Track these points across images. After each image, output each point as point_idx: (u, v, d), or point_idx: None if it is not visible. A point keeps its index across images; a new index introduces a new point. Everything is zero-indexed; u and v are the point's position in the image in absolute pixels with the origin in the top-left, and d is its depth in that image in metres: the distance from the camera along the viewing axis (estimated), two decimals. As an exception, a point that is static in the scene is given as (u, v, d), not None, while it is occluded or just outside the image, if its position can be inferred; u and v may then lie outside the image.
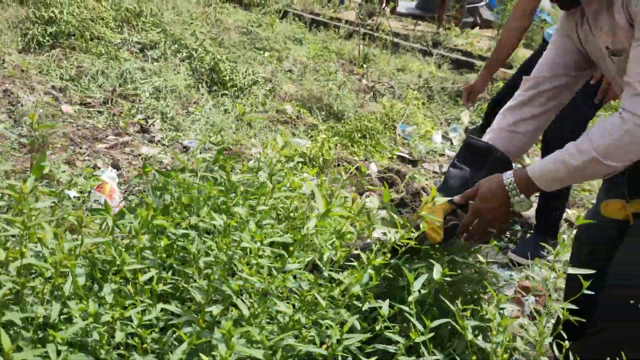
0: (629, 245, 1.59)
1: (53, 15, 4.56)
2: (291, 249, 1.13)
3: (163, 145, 3.62)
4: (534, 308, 2.59)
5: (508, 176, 1.55)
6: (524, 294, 2.72)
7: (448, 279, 1.34)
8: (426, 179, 3.91)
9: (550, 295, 2.72)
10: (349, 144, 4.14)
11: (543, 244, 2.78)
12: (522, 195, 1.53)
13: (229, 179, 1.40)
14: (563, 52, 1.69)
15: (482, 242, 1.66)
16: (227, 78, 4.67)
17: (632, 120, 1.34)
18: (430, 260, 1.45)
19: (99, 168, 3.11)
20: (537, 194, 1.83)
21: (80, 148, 3.32)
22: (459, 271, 1.70)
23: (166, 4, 6.50)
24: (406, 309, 1.15)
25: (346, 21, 8.42)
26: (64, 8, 4.70)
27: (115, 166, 3.15)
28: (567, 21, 1.65)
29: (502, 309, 1.46)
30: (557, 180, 1.49)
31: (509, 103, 1.81)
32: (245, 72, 4.83)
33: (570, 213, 3.62)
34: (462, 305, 1.64)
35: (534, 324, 2.52)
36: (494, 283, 1.76)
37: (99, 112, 3.81)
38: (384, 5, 10.20)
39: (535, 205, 3.11)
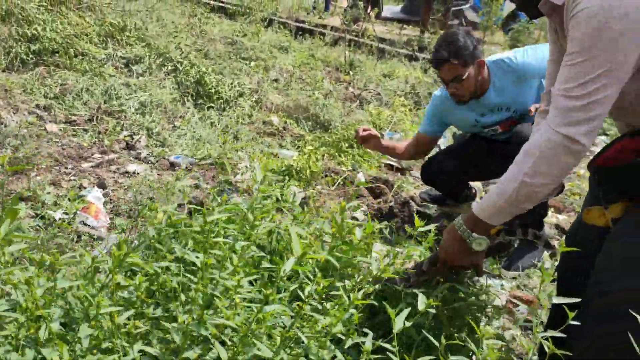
0: (607, 249, 1.58)
1: (36, 32, 4.54)
2: (267, 292, 1.09)
3: (149, 162, 3.60)
4: (526, 318, 2.59)
5: (458, 220, 1.61)
6: (518, 303, 2.72)
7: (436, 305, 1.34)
8: (414, 187, 3.91)
9: (541, 304, 2.74)
10: (337, 154, 4.14)
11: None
12: (475, 234, 1.56)
13: (205, 221, 1.38)
14: (557, 60, 1.69)
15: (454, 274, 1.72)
16: (213, 91, 4.66)
17: (549, 133, 1.40)
18: (417, 291, 1.45)
19: (85, 188, 3.09)
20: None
21: (66, 168, 3.30)
22: (461, 295, 1.72)
23: (151, 17, 6.48)
24: (388, 346, 1.14)
25: (332, 28, 8.43)
26: (47, 25, 4.68)
27: (101, 185, 3.13)
28: (550, 29, 1.67)
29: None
30: (499, 212, 1.51)
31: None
32: (231, 84, 4.82)
33: (560, 218, 3.64)
34: (459, 332, 1.64)
35: (527, 334, 2.53)
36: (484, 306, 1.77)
37: (84, 130, 3.79)
38: (368, 10, 10.24)
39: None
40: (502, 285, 2.82)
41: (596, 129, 1.39)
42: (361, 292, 1.25)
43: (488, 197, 1.54)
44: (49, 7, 4.99)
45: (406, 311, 1.14)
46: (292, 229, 1.26)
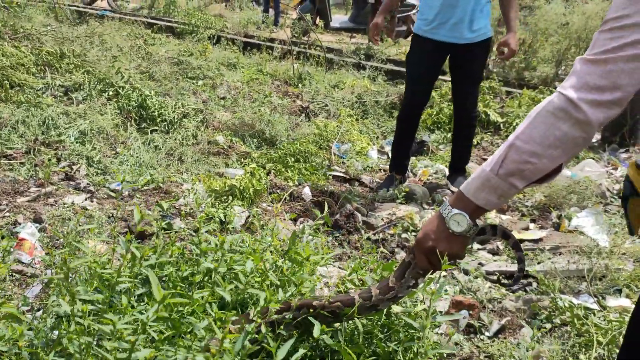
0: None
1: (-32, 66, 4.44)
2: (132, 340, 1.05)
3: (89, 191, 3.53)
4: (468, 322, 2.61)
5: (444, 202, 1.42)
6: (473, 308, 2.73)
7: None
8: (362, 197, 3.92)
9: (485, 307, 2.77)
10: (283, 169, 4.13)
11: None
12: (454, 210, 1.34)
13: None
14: None
15: (436, 270, 1.50)
16: (156, 113, 4.61)
17: (555, 95, 1.21)
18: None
19: (20, 224, 3.01)
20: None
21: (0, 204, 3.21)
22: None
23: (92, 42, 6.40)
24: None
25: (281, 41, 8.45)
26: (-20, 57, 4.58)
27: (37, 220, 3.05)
28: None
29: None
30: (485, 185, 1.29)
31: None
32: (175, 105, 4.78)
33: (504, 219, 3.69)
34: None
35: (469, 338, 2.54)
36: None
37: (22, 163, 3.71)
38: (317, 21, 10.30)
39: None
40: (446, 290, 2.84)
41: (611, 105, 1.14)
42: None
43: (476, 170, 1.33)
44: (-18, 38, 4.89)
45: (289, 342, 1.13)
46: (151, 274, 1.19)
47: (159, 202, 3.32)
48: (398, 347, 1.70)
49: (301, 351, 1.13)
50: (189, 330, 1.16)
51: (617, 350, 2.13)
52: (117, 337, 1.02)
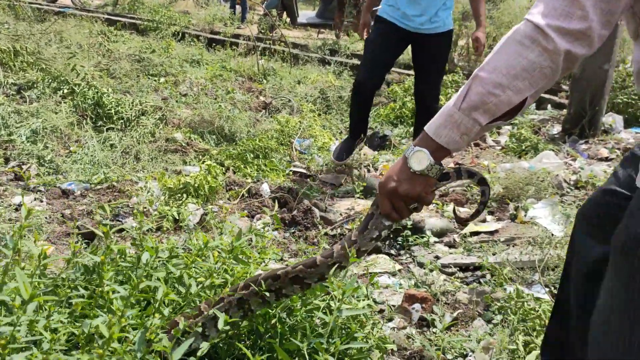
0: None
1: None
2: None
3: (39, 191, 3.44)
4: (421, 315, 2.59)
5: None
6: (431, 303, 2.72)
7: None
8: (321, 192, 3.89)
9: (438, 300, 2.76)
10: (242, 165, 4.08)
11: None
12: (417, 148, 1.27)
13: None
14: None
15: (398, 218, 1.40)
16: (113, 111, 4.52)
17: (522, 22, 1.16)
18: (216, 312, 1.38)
19: (-37, 226, 2.91)
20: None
21: (-56, 206, 3.11)
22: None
23: (51, 38, 6.26)
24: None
25: (246, 37, 8.38)
26: None
27: (-19, 222, 2.96)
28: None
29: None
30: (448, 121, 1.22)
31: None
32: (132, 102, 4.68)
33: (462, 211, 3.68)
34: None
35: (422, 332, 2.53)
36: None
37: (-31, 164, 3.60)
38: (283, 16, 10.25)
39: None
40: (400, 284, 2.82)
41: (579, 35, 1.10)
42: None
43: (441, 110, 1.25)
44: None
45: (187, 342, 1.09)
46: (19, 273, 1.12)
47: (102, 204, 3.25)
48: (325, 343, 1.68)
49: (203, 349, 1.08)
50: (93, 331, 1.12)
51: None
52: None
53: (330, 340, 1.42)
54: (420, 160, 1.26)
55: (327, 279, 1.49)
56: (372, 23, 4.21)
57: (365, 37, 4.19)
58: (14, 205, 3.24)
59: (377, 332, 1.96)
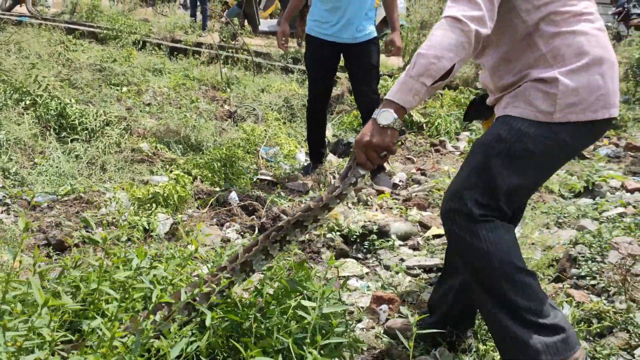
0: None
1: None
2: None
3: (5, 204, 3.42)
4: (388, 316, 2.70)
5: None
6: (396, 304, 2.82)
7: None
8: (289, 200, 3.97)
9: (404, 301, 2.87)
10: (209, 174, 4.12)
11: None
12: (382, 109, 1.71)
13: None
14: None
15: (371, 167, 1.80)
16: (77, 122, 4.51)
17: (443, 18, 1.70)
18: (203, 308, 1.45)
19: None
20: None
21: None
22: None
23: (10, 48, 6.18)
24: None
25: (208, 45, 8.39)
26: None
27: (-52, 236, 2.94)
28: None
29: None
30: (403, 87, 1.68)
31: None
32: (96, 113, 4.68)
33: (424, 215, 3.81)
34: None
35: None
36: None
37: None
38: (245, 25, 10.29)
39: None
40: (367, 286, 2.93)
41: (480, 19, 1.66)
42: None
43: (397, 80, 1.73)
44: None
45: (182, 342, 1.16)
46: (33, 281, 1.19)
47: (84, 217, 3.26)
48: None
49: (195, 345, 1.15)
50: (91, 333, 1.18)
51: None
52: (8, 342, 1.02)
53: (311, 338, 1.50)
54: (387, 117, 1.71)
55: (319, 220, 1.87)
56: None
57: (284, 46, 4.48)
58: (-20, 219, 3.22)
59: (350, 332, 2.05)
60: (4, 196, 3.50)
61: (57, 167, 3.93)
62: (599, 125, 1.78)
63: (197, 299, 1.55)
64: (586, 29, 1.77)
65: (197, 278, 1.75)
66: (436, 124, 5.54)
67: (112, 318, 1.09)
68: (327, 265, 3.03)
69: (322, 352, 1.76)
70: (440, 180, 4.29)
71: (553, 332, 1.70)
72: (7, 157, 3.90)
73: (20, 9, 11.51)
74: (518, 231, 3.37)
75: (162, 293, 1.32)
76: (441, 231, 3.49)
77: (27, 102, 4.65)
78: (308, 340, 1.39)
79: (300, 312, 1.53)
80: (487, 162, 1.76)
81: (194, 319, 1.57)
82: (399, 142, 1.80)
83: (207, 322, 1.26)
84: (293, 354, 1.38)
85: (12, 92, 4.71)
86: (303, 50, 8.61)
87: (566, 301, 2.67)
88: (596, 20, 1.81)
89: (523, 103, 1.77)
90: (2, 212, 3.32)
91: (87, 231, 3.22)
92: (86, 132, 4.48)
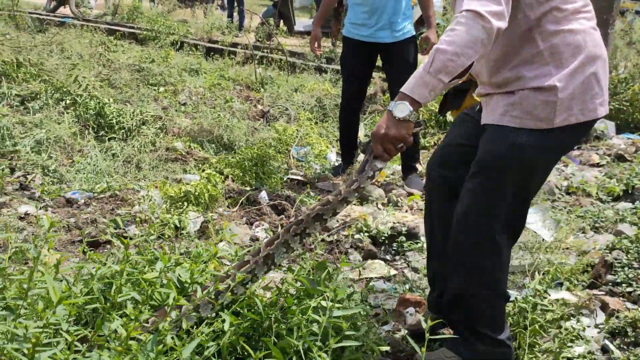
0: None
1: None
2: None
3: (44, 200, 3.53)
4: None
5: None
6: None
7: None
8: (318, 199, 3.98)
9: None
10: (241, 174, 4.17)
11: None
12: (398, 102, 1.73)
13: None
14: None
15: (388, 158, 1.83)
16: (114, 121, 4.62)
17: (462, 12, 1.67)
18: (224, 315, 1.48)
19: (-28, 235, 3.00)
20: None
21: (-48, 216, 3.20)
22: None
23: (53, 49, 6.36)
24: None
25: (244, 46, 8.48)
26: None
27: (-12, 231, 3.05)
28: None
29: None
30: (419, 82, 1.70)
31: None
32: (133, 112, 4.78)
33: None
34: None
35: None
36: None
37: (-25, 174, 3.69)
38: (280, 25, 10.36)
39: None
40: (395, 288, 2.92)
41: (501, 16, 1.66)
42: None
43: (413, 74, 1.74)
44: None
45: (194, 342, 1.18)
46: (49, 280, 1.23)
47: (115, 216, 3.34)
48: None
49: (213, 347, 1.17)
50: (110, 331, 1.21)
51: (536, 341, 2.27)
52: (28, 339, 1.06)
53: (324, 340, 1.51)
54: (402, 110, 1.72)
55: (338, 213, 1.90)
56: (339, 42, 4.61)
57: (316, 49, 4.56)
58: (20, 214, 3.33)
59: (373, 334, 2.05)
60: (42, 192, 3.61)
61: (94, 165, 4.03)
62: (592, 123, 1.90)
63: (217, 296, 1.59)
64: (584, 27, 1.84)
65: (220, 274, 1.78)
66: (470, 124, 5.46)
67: (132, 318, 1.12)
68: (353, 267, 3.05)
69: (338, 354, 1.77)
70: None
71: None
72: (47, 155, 4.02)
73: (64, 10, 11.84)
74: (550, 236, 3.31)
75: (179, 297, 1.35)
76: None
77: (68, 101, 4.78)
78: (319, 344, 1.39)
79: (312, 315, 1.55)
80: (499, 187, 1.89)
81: (216, 318, 1.60)
82: (415, 134, 1.86)
83: (226, 327, 1.28)
84: (303, 356, 1.39)
85: (53, 91, 4.85)
86: (337, 50, 8.63)
87: (600, 308, 2.63)
88: (592, 18, 1.88)
89: (523, 112, 1.83)
90: (40, 209, 3.42)
91: (118, 229, 3.29)
92: (123, 131, 4.59)
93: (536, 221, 3.43)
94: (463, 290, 2.05)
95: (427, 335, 1.49)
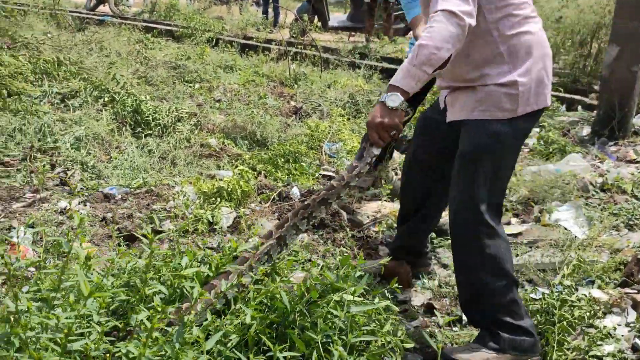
0: None
1: (-33, 77, 4.57)
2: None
3: (83, 195, 3.65)
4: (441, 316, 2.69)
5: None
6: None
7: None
8: (349, 196, 4.01)
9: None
10: (273, 170, 4.23)
11: None
12: (390, 93, 1.94)
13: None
14: None
15: (383, 144, 2.01)
16: (151, 118, 4.73)
17: (437, 12, 1.90)
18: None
19: (14, 228, 3.13)
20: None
21: (-4, 210, 3.33)
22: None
23: (92, 47, 6.54)
24: None
25: (279, 42, 8.54)
26: (-22, 68, 4.72)
27: (31, 225, 3.17)
28: None
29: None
30: (406, 74, 1.91)
31: None
32: (169, 109, 4.89)
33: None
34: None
35: (443, 330, 2.63)
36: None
37: (18, 170, 3.83)
38: (315, 21, 10.39)
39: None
40: (423, 283, 2.93)
41: (471, 13, 1.91)
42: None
43: (400, 68, 1.95)
44: (-20, 50, 5.03)
45: (218, 334, 1.23)
46: (80, 273, 1.29)
47: (152, 211, 3.44)
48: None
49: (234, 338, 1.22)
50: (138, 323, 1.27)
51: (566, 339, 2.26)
52: (60, 329, 1.13)
53: (346, 334, 1.55)
54: (394, 100, 1.93)
55: (342, 197, 2.15)
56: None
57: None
58: (60, 209, 3.45)
59: (400, 331, 2.07)
60: (81, 188, 3.73)
61: (131, 161, 4.14)
62: (543, 110, 2.21)
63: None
64: (534, 30, 2.13)
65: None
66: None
67: (159, 310, 1.18)
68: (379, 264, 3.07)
69: (362, 349, 1.80)
70: (505, 179, 4.20)
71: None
72: (86, 151, 4.14)
73: (103, 8, 12.11)
74: (583, 233, 3.27)
75: (203, 291, 1.41)
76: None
77: (106, 99, 4.91)
78: (336, 338, 1.43)
79: (330, 310, 1.58)
80: (485, 170, 2.14)
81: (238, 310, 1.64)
82: (405, 122, 2.05)
83: (248, 319, 1.33)
84: (321, 350, 1.43)
85: (92, 89, 4.99)
86: (371, 45, 8.63)
87: (631, 307, 2.59)
88: (539, 22, 2.19)
89: (491, 106, 2.12)
90: (78, 204, 3.54)
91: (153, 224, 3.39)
92: (159, 127, 4.69)
93: (569, 218, 3.39)
94: (475, 285, 2.22)
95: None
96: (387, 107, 1.94)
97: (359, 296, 1.86)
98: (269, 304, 1.79)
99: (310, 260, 3.16)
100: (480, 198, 2.15)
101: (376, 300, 1.89)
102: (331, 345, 1.73)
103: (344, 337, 1.81)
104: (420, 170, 2.63)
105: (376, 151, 2.03)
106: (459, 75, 2.19)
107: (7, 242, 2.89)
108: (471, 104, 2.16)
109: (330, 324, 1.75)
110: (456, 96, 2.25)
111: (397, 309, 1.97)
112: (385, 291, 2.25)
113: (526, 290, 2.72)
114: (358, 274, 1.80)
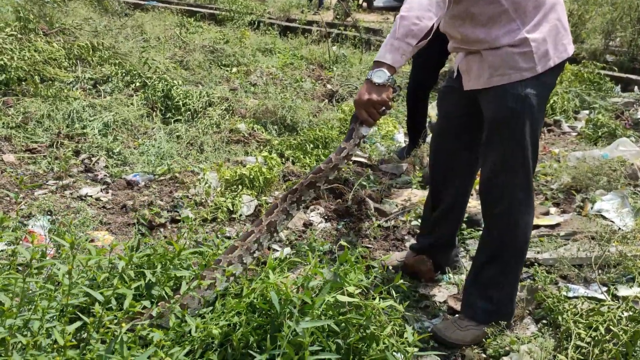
0: None
1: (2, 62, 4.60)
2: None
3: (105, 182, 3.61)
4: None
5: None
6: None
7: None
8: (378, 184, 3.84)
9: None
10: (302, 156, 4.09)
11: None
12: (375, 69, 1.89)
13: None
14: None
15: (373, 123, 1.97)
16: (181, 103, 4.66)
17: None
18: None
19: (34, 216, 3.12)
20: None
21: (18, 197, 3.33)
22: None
23: (129, 32, 6.54)
24: None
25: (323, 23, 8.36)
26: (14, 54, 4.75)
27: (49, 212, 3.15)
28: None
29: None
30: (390, 48, 1.86)
31: None
32: (199, 94, 4.81)
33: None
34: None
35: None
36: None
37: (45, 156, 3.84)
38: (360, 1, 10.14)
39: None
40: (449, 277, 2.75)
41: None
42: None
43: (383, 43, 1.92)
44: (18, 35, 5.08)
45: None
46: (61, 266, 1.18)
47: (172, 199, 3.37)
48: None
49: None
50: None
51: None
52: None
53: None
54: (380, 76, 1.88)
55: (331, 180, 2.10)
56: None
57: None
58: (81, 195, 3.43)
59: (407, 331, 1.91)
60: (105, 175, 3.70)
61: (157, 147, 4.09)
62: (565, 62, 2.12)
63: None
64: None
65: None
66: (551, 101, 5.07)
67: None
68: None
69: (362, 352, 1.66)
70: (547, 165, 3.92)
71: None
72: (113, 137, 4.11)
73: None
74: (628, 225, 3.00)
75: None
76: (539, 221, 3.19)
77: (137, 84, 4.88)
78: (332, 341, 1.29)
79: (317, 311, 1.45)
80: (516, 135, 2.05)
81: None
82: (393, 99, 1.99)
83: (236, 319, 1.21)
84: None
85: (124, 74, 4.97)
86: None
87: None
88: None
89: (508, 70, 2.02)
90: (101, 191, 3.51)
91: (175, 211, 3.32)
92: (189, 112, 4.63)
93: (613, 209, 3.11)
94: (499, 246, 2.22)
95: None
96: (373, 83, 1.88)
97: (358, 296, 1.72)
98: (257, 306, 1.67)
99: (332, 252, 3.03)
100: (514, 161, 2.09)
101: (376, 300, 1.75)
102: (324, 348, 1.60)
103: (339, 341, 1.68)
104: (447, 142, 2.49)
105: (365, 132, 1.99)
106: (467, 38, 2.10)
107: (23, 230, 2.88)
108: (487, 70, 2.07)
109: (321, 327, 1.62)
110: (470, 63, 2.15)
111: (401, 308, 1.80)
112: (391, 288, 2.09)
113: (559, 287, 2.50)
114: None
